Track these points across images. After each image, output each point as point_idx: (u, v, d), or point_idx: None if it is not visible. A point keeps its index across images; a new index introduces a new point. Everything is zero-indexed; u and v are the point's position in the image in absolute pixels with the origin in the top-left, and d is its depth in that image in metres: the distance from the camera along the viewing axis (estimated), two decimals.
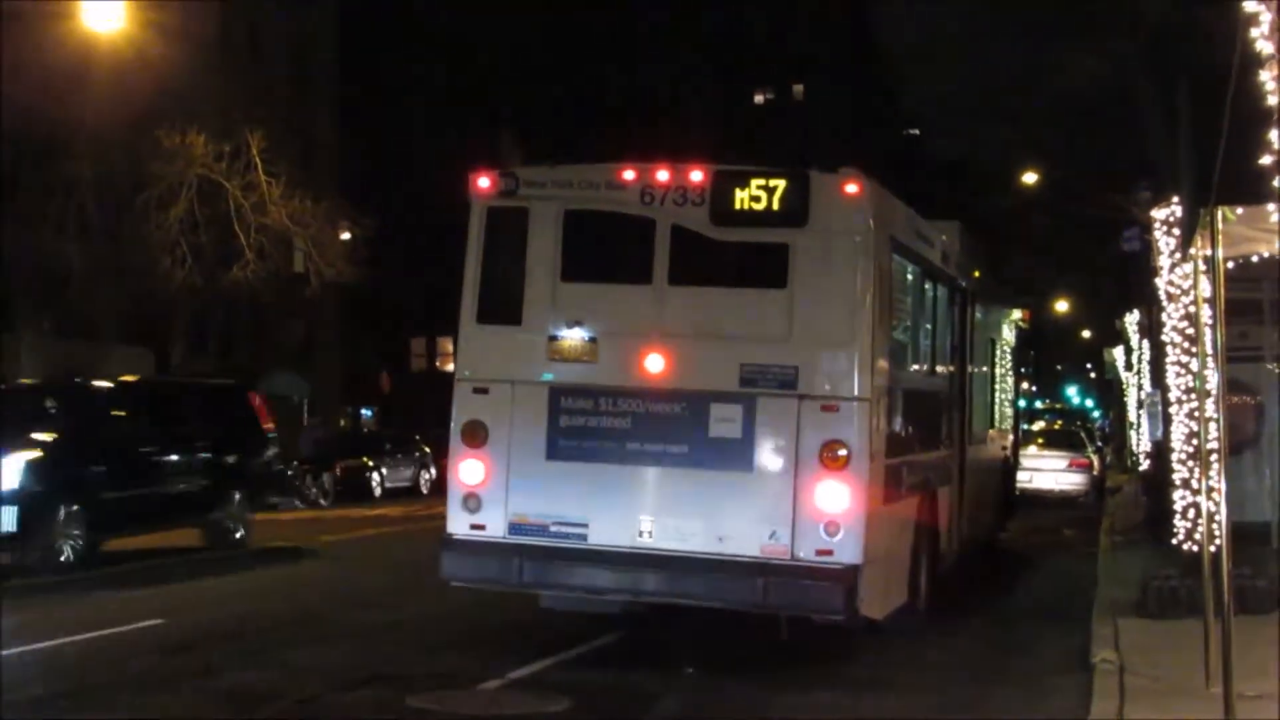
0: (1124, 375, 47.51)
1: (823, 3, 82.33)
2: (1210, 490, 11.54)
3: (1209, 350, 12.24)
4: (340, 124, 59.62)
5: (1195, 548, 15.31)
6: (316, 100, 57.95)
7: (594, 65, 67.07)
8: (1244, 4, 7.99)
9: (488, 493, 13.71)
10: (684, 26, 71.86)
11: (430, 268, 50.14)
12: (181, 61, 39.71)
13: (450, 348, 13.62)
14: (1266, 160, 8.31)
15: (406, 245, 56.69)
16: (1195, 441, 15.91)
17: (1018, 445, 27.87)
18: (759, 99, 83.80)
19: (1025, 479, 33.76)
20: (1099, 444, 52.37)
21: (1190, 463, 16.73)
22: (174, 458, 23.85)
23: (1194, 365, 15.13)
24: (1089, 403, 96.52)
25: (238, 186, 39.47)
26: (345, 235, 44.46)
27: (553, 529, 13.52)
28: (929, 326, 16.78)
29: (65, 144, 38.03)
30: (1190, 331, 16.22)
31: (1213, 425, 11.81)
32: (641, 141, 28.21)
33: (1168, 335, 18.21)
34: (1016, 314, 26.07)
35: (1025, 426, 39.37)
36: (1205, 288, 12.24)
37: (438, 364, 66.53)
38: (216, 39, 48.03)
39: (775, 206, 13.30)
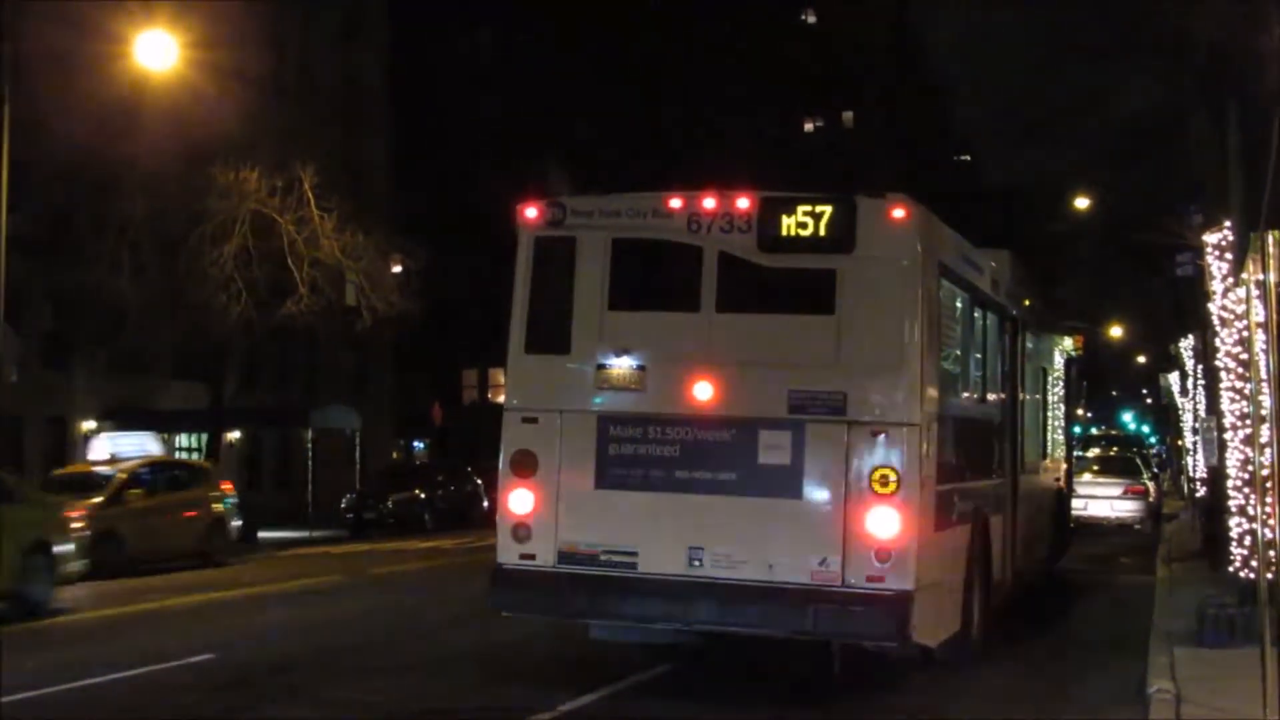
0: (1179, 400, 47.13)
1: (873, 30, 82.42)
2: (1266, 517, 11.41)
3: (1263, 375, 12.12)
4: (391, 157, 59.96)
5: (1252, 575, 15.13)
6: (368, 134, 58.33)
7: (643, 96, 67.23)
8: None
9: (537, 522, 13.68)
10: (733, 55, 71.95)
11: (482, 299, 50.37)
12: (234, 97, 39.99)
13: (502, 379, 13.66)
14: None
15: (458, 277, 56.90)
16: (1250, 468, 15.73)
17: (1071, 474, 27.62)
18: (809, 127, 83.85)
19: (1080, 506, 33.42)
20: (1155, 470, 51.89)
21: (1246, 489, 16.55)
22: None
23: (1248, 390, 14.98)
24: (1145, 428, 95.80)
25: (291, 221, 39.65)
26: (397, 268, 44.63)
27: (602, 558, 13.48)
28: (979, 354, 16.66)
29: (118, 181, 38.30)
30: (1244, 356, 16.06)
31: (1267, 451, 11.68)
32: (690, 171, 28.25)
33: (1221, 360, 18.04)
34: (1069, 341, 25.86)
35: (1080, 453, 39.05)
36: (1258, 312, 12.11)
37: (490, 395, 66.72)
38: (269, 75, 48.37)
39: (822, 232, 13.26)
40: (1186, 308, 33.69)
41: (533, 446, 13.81)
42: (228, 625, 19.99)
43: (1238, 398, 17.35)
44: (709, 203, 13.56)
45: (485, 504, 45.67)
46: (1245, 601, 15.31)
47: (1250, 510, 16.00)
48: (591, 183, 14.63)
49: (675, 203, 13.70)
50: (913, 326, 13.15)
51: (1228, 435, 18.21)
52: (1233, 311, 17.03)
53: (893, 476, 12.79)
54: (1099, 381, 67.30)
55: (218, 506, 32.69)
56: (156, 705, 13.65)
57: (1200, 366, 31.05)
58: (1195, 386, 34.35)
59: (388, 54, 60.31)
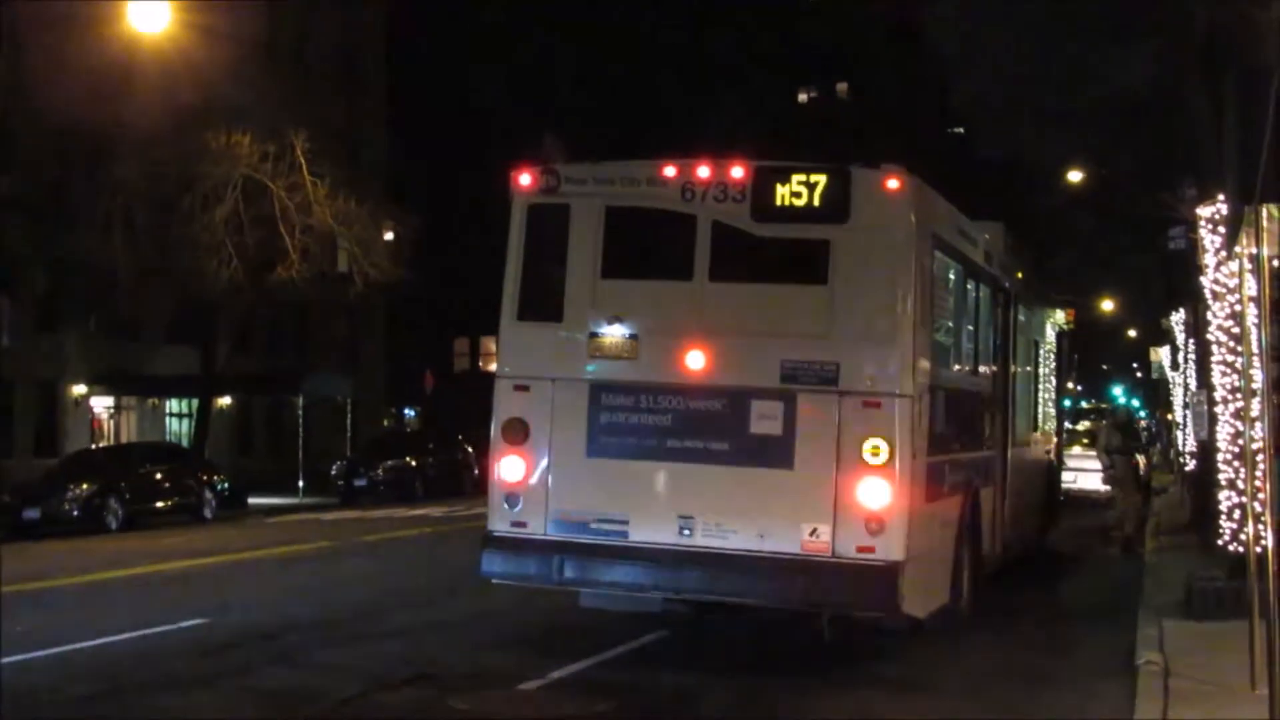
0: (1170, 374, 47.19)
1: (869, 2, 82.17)
2: (1256, 491, 11.43)
3: (1254, 349, 12.13)
4: (386, 123, 59.79)
5: (1241, 549, 15.15)
6: (361, 101, 58.14)
7: (639, 65, 67.06)
8: None
9: (528, 490, 13.70)
10: (730, 26, 71.76)
11: (473, 267, 50.29)
12: (227, 62, 39.89)
13: (493, 347, 13.64)
14: None
15: (450, 245, 56.82)
16: (1241, 441, 15.75)
17: (1062, 448, 27.66)
18: (803, 98, 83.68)
19: (1070, 479, 33.46)
20: (1145, 444, 51.88)
21: (1236, 463, 16.56)
22: None
23: (1239, 364, 15.00)
24: (1135, 402, 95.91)
25: (283, 187, 39.60)
26: (389, 235, 44.58)
27: (593, 526, 13.50)
28: (971, 326, 16.66)
29: (111, 145, 38.23)
30: (1236, 330, 16.06)
31: (1258, 425, 11.70)
32: (685, 140, 28.18)
33: (1213, 334, 18.04)
34: (1060, 314, 25.90)
35: (1070, 426, 39.10)
36: (1251, 286, 12.11)
37: (480, 364, 66.73)
38: (262, 40, 48.22)
39: (816, 202, 13.24)
40: (1178, 281, 33.70)
41: (524, 414, 13.80)
42: (218, 591, 20.01)
43: (1229, 371, 17.36)
44: (703, 171, 13.54)
45: (475, 472, 45.70)
46: (1234, 575, 15.34)
47: (1240, 484, 16.02)
48: (586, 150, 14.57)
49: (670, 171, 13.68)
50: (906, 298, 13.15)
51: (1218, 409, 18.22)
52: (1225, 285, 17.03)
53: (884, 447, 12.80)
54: (1090, 355, 67.38)
55: None
56: (149, 669, 13.67)
57: (1191, 340, 31.07)
58: (1186, 360, 34.39)
59: (384, 19, 60.07)
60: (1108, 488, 38.86)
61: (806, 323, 13.22)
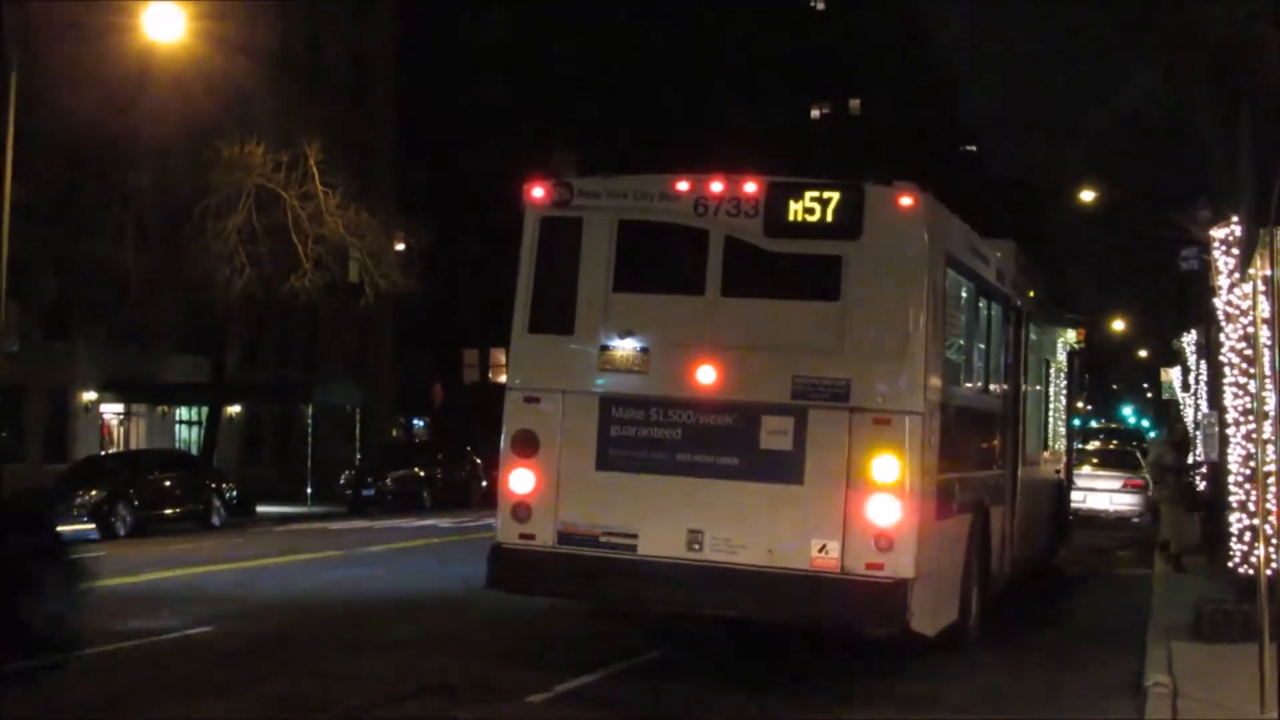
0: (1180, 395, 47.07)
1: (882, 18, 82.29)
2: (1267, 514, 11.40)
3: (1267, 372, 12.10)
4: (397, 135, 59.89)
5: (1251, 571, 15.11)
6: (374, 111, 58.26)
7: (650, 78, 67.13)
8: None
9: (537, 502, 13.68)
10: (742, 41, 71.85)
11: (484, 279, 50.38)
12: (241, 72, 39.98)
13: (503, 359, 13.63)
14: None
15: (461, 257, 56.89)
16: (1252, 464, 15.71)
17: (1071, 467, 27.60)
18: (816, 114, 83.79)
19: (1079, 499, 33.37)
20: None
21: (1247, 485, 16.54)
22: None
23: (1252, 386, 14.97)
24: (1145, 422, 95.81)
25: (295, 196, 39.66)
26: (400, 246, 44.63)
27: (602, 539, 13.48)
28: (982, 345, 16.63)
29: (124, 153, 38.28)
30: (1249, 352, 16.04)
31: (1270, 447, 11.67)
32: (696, 154, 28.21)
33: (1225, 356, 18.00)
34: (1071, 334, 25.85)
35: (1079, 446, 39.04)
36: (1264, 308, 12.09)
37: (490, 375, 66.76)
38: (275, 50, 48.32)
39: (829, 219, 13.24)
40: (1190, 302, 33.64)
41: (534, 427, 13.80)
42: (225, 598, 19.98)
43: (1241, 393, 17.32)
44: (716, 186, 13.54)
45: (483, 484, 45.72)
46: (1244, 597, 15.30)
47: (1251, 506, 15.98)
48: (598, 163, 14.59)
49: (682, 185, 13.68)
50: (918, 315, 13.13)
51: (1230, 431, 18.19)
52: (1238, 307, 16.99)
53: (894, 464, 12.78)
54: (1100, 374, 67.34)
55: None
56: (157, 676, 13.67)
57: (1203, 361, 31.00)
58: (1197, 381, 34.30)
59: (395, 30, 60.19)
60: (1117, 508, 38.91)
61: (818, 339, 13.21)
